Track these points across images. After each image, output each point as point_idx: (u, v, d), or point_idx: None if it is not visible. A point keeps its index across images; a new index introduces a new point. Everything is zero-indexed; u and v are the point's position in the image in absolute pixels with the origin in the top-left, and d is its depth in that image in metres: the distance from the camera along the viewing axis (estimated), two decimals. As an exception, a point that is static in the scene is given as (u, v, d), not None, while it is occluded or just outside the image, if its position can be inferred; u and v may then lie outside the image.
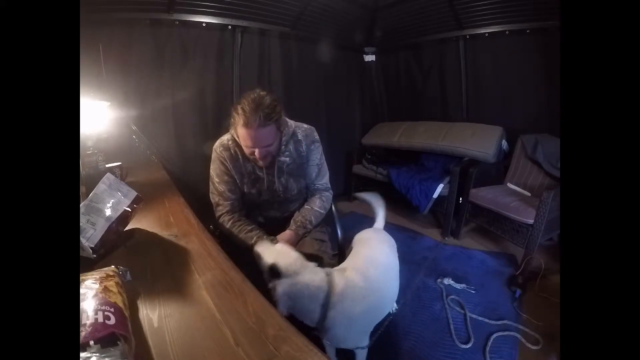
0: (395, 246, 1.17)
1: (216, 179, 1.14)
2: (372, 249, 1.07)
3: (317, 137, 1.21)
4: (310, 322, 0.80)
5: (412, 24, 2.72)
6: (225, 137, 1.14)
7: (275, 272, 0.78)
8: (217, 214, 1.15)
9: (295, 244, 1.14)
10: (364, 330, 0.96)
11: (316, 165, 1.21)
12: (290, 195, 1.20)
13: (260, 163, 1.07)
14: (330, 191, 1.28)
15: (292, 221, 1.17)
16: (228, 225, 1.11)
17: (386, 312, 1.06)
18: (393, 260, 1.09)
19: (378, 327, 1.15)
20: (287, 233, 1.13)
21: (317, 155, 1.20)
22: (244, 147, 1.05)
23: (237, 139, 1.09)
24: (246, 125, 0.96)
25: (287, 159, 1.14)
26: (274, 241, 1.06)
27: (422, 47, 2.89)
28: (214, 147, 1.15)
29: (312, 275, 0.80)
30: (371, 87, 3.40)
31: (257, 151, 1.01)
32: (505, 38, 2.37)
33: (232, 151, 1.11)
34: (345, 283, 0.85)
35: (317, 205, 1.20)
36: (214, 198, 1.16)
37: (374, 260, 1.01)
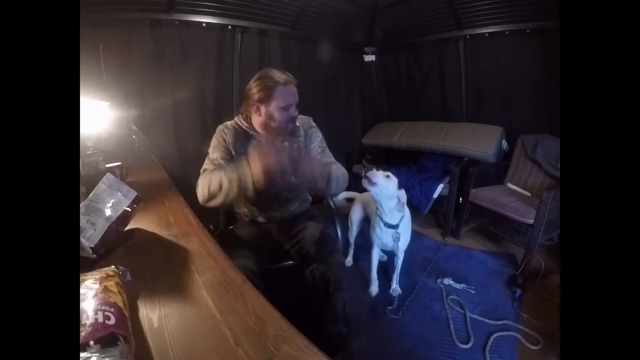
0: None
1: (211, 150, 1.15)
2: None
3: (314, 124, 1.27)
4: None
5: (412, 24, 2.71)
6: (229, 122, 1.19)
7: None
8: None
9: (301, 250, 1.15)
10: (408, 237, 1.56)
11: (318, 147, 1.24)
12: (288, 185, 1.20)
13: (290, 126, 1.14)
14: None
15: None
16: (201, 176, 1.05)
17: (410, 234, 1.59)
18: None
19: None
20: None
21: (318, 139, 1.25)
22: (279, 114, 1.08)
23: (240, 123, 1.15)
24: (285, 83, 1.06)
25: (286, 143, 1.18)
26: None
27: (422, 47, 2.89)
28: (217, 128, 1.18)
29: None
30: (371, 87, 3.39)
31: (293, 108, 1.10)
32: (505, 38, 2.37)
33: (234, 130, 1.15)
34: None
35: (334, 170, 1.12)
36: (203, 167, 1.11)
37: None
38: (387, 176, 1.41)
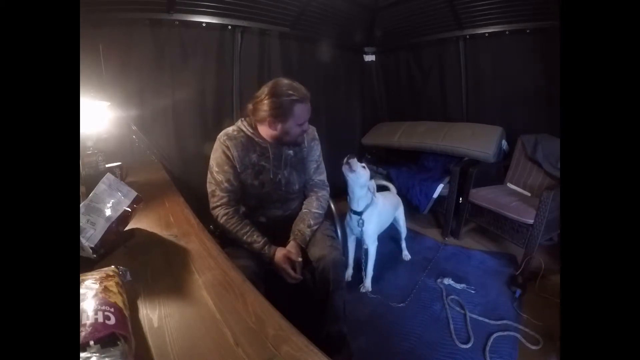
0: (400, 202, 2.03)
1: (215, 168, 1.12)
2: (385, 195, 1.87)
3: (317, 136, 1.27)
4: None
5: (412, 24, 2.71)
6: (230, 128, 1.16)
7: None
8: (212, 204, 1.14)
9: (301, 249, 1.15)
10: (376, 230, 1.71)
11: (315, 161, 1.26)
12: (291, 190, 1.21)
13: (300, 138, 1.16)
14: (327, 189, 1.31)
15: (292, 232, 1.17)
16: (222, 220, 1.11)
17: (386, 226, 1.86)
18: (393, 205, 1.93)
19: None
20: (291, 245, 1.13)
21: (317, 153, 1.26)
22: (293, 129, 1.09)
23: (244, 129, 1.13)
24: (303, 100, 1.08)
25: (290, 151, 1.18)
26: (278, 251, 1.09)
27: (422, 47, 2.89)
28: (218, 136, 1.15)
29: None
30: (371, 87, 3.39)
31: (306, 124, 1.13)
32: (505, 38, 2.37)
33: (238, 141, 1.12)
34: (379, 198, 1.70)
35: (315, 207, 1.23)
36: (210, 187, 1.14)
37: (386, 197, 1.85)
38: (363, 166, 1.58)
